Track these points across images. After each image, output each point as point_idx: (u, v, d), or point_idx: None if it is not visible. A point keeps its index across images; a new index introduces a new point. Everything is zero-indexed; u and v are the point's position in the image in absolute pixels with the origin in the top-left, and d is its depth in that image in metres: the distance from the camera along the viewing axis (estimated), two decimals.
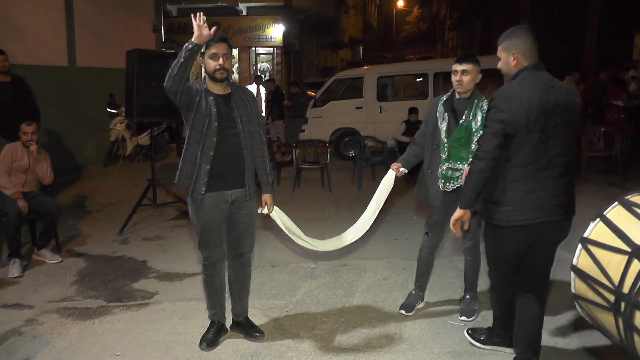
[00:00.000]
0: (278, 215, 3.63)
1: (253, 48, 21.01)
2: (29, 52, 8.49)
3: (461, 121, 3.59)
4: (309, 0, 20.59)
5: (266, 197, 3.55)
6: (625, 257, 2.46)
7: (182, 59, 3.02)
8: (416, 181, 3.93)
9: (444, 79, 10.73)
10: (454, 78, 3.61)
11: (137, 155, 10.55)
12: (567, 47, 17.00)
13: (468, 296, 3.95)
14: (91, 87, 10.02)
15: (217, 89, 3.32)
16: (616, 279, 2.49)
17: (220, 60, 3.22)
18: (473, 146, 3.53)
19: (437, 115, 3.71)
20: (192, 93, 3.22)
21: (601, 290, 2.58)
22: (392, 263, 5.04)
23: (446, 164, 3.62)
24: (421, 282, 4.06)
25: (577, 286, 2.79)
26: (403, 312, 3.95)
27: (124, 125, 9.95)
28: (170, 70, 3.07)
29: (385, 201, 3.90)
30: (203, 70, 3.36)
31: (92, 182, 8.86)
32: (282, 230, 3.70)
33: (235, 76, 19.74)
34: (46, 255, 5.19)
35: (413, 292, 4.07)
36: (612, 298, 2.53)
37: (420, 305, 4.05)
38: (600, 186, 7.88)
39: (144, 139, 10.35)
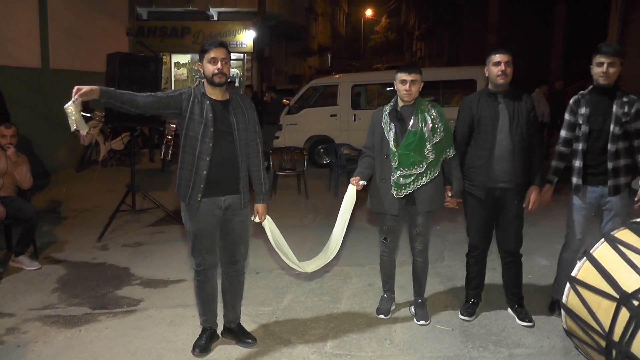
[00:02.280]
0: (269, 226, 3.62)
1: None
2: (0, 52, 8.27)
3: (409, 127, 3.70)
4: (280, 6, 20.62)
5: (258, 206, 3.55)
6: (614, 304, 2.51)
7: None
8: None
9: None
10: (402, 87, 3.70)
11: (110, 160, 10.37)
12: (534, 60, 17.48)
13: (420, 300, 4.05)
14: (65, 90, 9.68)
15: (215, 94, 3.30)
16: (606, 325, 2.55)
17: (219, 65, 3.21)
18: (426, 152, 3.65)
19: (383, 125, 3.80)
20: (178, 101, 3.22)
21: (592, 333, 2.64)
22: (375, 270, 5.05)
23: (398, 172, 3.71)
24: (389, 285, 4.16)
25: (569, 324, 2.86)
26: (382, 316, 4.05)
27: (97, 129, 9.78)
28: None
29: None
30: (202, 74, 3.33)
31: (64, 187, 8.65)
32: (267, 238, 3.67)
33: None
34: (24, 262, 5.06)
35: (385, 295, 4.17)
36: (603, 343, 2.58)
37: (393, 307, 4.14)
38: (567, 193, 8.13)
39: (117, 143, 10.19)
